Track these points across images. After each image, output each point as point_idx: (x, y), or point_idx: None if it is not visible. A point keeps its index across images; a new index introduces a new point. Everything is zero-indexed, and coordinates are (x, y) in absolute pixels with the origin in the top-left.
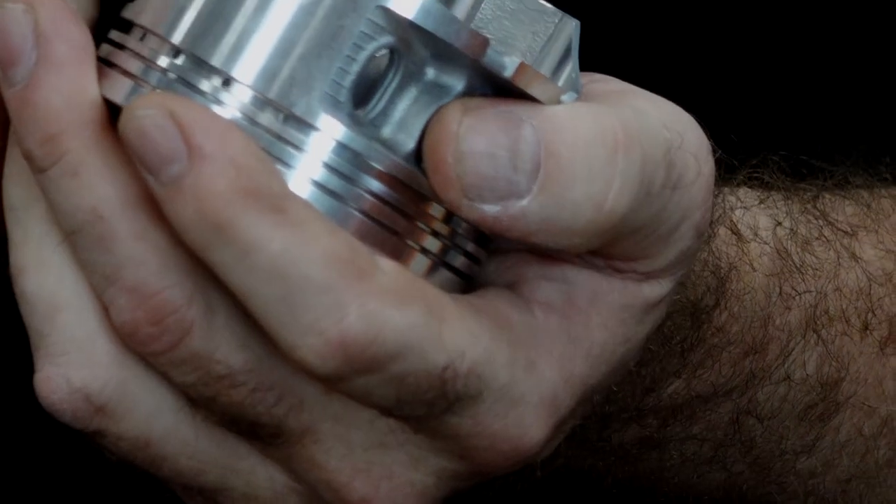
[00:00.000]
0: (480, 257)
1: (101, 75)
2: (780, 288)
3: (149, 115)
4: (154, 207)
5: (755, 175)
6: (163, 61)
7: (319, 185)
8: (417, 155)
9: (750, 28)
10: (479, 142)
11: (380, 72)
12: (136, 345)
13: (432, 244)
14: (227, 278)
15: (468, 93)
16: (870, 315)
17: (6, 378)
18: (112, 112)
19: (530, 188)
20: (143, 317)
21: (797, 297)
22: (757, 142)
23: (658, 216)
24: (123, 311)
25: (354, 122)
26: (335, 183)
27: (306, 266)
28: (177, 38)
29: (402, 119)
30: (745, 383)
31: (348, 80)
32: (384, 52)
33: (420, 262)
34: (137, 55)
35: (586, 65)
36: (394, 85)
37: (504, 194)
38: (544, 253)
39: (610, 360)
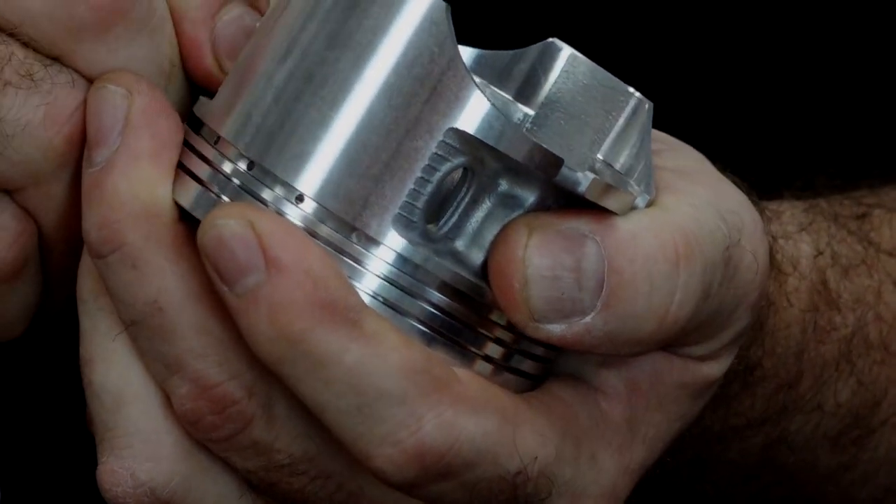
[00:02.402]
0: (550, 357)
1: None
2: (816, 322)
3: (229, 225)
4: (214, 300)
5: (804, 190)
6: (230, 168)
7: (382, 299)
8: (487, 266)
9: (757, 31)
10: (544, 265)
11: (453, 185)
12: (199, 432)
13: (495, 351)
14: (299, 390)
15: (540, 203)
16: None
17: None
18: (179, 209)
19: (594, 305)
20: (205, 406)
21: (832, 332)
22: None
23: (716, 311)
24: (185, 399)
25: (425, 238)
26: (397, 295)
27: (381, 378)
28: (249, 147)
29: (476, 231)
30: (777, 415)
31: (421, 201)
32: (458, 169)
33: (483, 367)
34: (206, 160)
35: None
36: (467, 199)
37: (569, 313)
38: None
39: (665, 438)
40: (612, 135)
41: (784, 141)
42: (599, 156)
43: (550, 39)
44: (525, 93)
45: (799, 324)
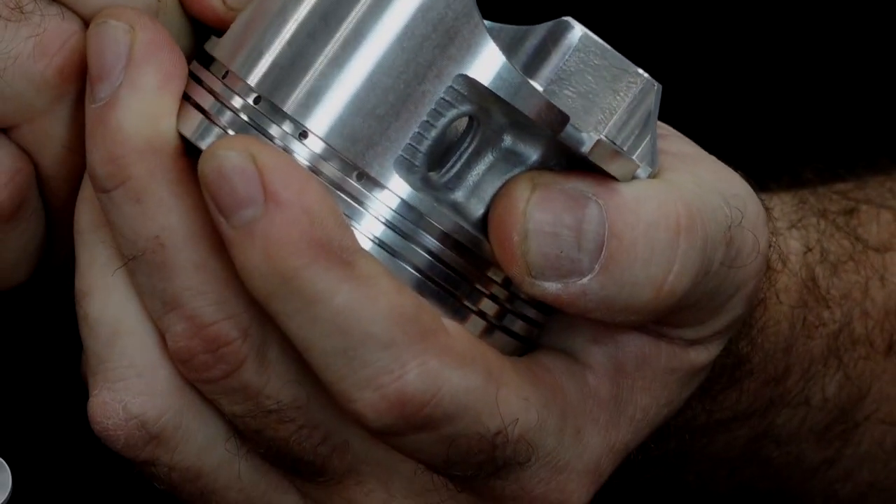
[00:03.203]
0: (542, 321)
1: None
2: (805, 318)
3: (230, 156)
4: (215, 239)
5: (792, 184)
6: (238, 102)
7: (380, 242)
8: (485, 220)
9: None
10: (544, 221)
11: (457, 135)
12: (190, 371)
13: (489, 307)
14: (287, 327)
15: (543, 162)
16: (895, 335)
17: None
18: (184, 144)
19: (592, 267)
20: (198, 345)
21: (820, 327)
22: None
23: (714, 291)
24: (180, 337)
25: (426, 184)
26: (395, 240)
27: (368, 322)
28: (256, 81)
29: (476, 184)
30: (764, 409)
31: (425, 145)
32: (463, 117)
33: (476, 323)
34: (214, 93)
35: None
36: (470, 150)
37: (566, 272)
38: None
39: (652, 422)
40: (619, 113)
41: (771, 134)
42: (604, 134)
43: (564, 18)
44: (534, 67)
45: (788, 319)
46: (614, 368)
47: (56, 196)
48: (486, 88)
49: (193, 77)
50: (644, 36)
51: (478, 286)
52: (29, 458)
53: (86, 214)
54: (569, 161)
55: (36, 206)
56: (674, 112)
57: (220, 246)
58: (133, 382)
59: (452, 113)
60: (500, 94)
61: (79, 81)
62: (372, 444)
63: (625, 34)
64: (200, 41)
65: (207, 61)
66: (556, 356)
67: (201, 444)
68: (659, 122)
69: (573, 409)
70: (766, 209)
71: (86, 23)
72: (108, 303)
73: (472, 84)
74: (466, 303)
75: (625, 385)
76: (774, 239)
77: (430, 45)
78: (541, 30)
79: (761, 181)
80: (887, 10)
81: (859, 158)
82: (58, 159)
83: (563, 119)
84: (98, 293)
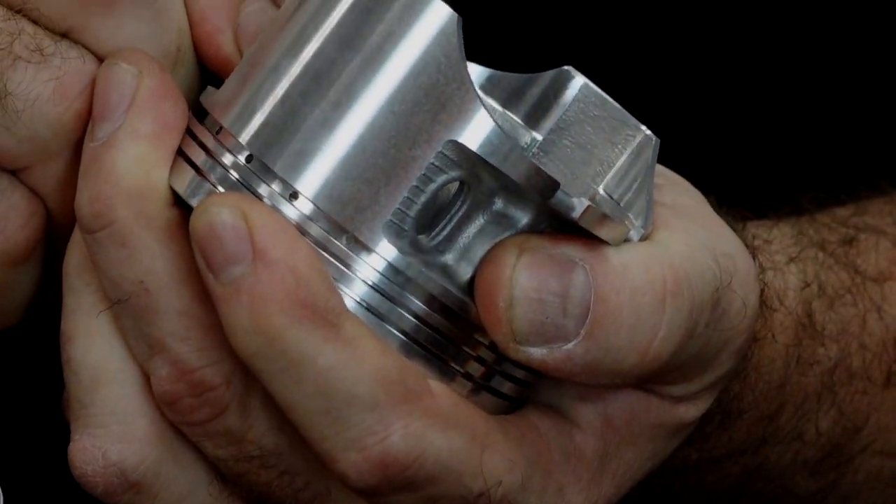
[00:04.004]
0: (530, 381)
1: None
2: (800, 356)
3: (222, 213)
4: (200, 286)
5: (792, 213)
6: (229, 159)
7: (366, 304)
8: (473, 283)
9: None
10: (530, 287)
11: (448, 197)
12: (175, 414)
13: (476, 369)
14: (271, 386)
15: (533, 225)
16: (894, 366)
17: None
18: (174, 194)
19: (578, 332)
20: (183, 389)
21: (815, 364)
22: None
23: (700, 352)
24: (165, 381)
25: (414, 248)
26: (382, 303)
27: (353, 383)
28: (248, 139)
29: (466, 247)
30: (756, 446)
31: (414, 210)
32: (453, 182)
33: (462, 384)
34: (206, 148)
35: (592, 73)
36: (461, 213)
37: (551, 338)
38: None
39: (636, 476)
40: (616, 167)
41: (772, 156)
42: (601, 187)
43: (565, 67)
44: (534, 117)
45: (782, 358)
46: (602, 425)
47: (55, 239)
48: (475, 154)
49: (188, 131)
50: (647, 62)
51: (465, 348)
52: (19, 488)
53: (74, 257)
54: (560, 224)
55: (43, 249)
56: (676, 138)
57: (204, 293)
58: (113, 430)
59: (442, 178)
60: (490, 160)
61: None
62: (353, 494)
63: (627, 64)
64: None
65: (202, 114)
66: (543, 413)
67: (182, 491)
68: (657, 166)
69: (557, 468)
70: (759, 251)
71: None
72: (92, 347)
73: (462, 150)
74: (453, 364)
75: (612, 441)
76: (772, 274)
77: (422, 111)
78: (543, 78)
79: (761, 210)
80: (885, 34)
81: (859, 181)
82: (64, 203)
83: (554, 185)
84: (82, 337)
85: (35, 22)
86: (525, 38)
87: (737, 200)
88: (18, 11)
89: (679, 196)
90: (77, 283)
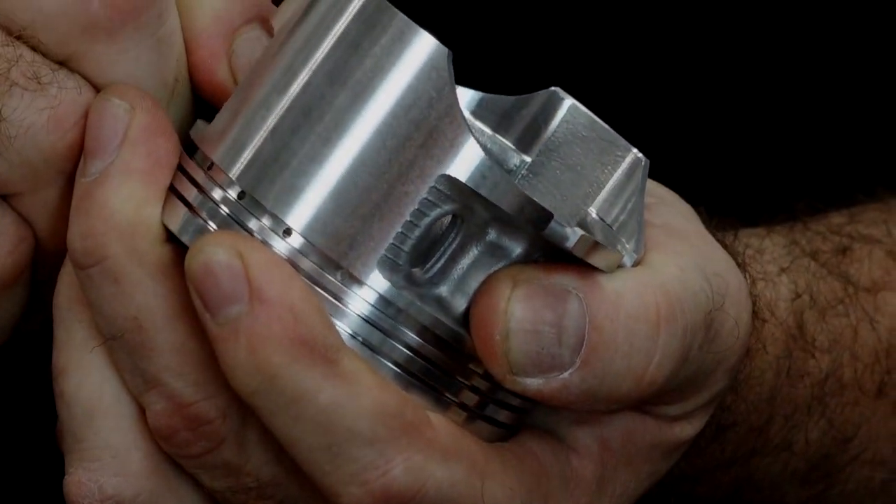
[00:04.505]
0: (526, 408)
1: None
2: (790, 367)
3: (217, 253)
4: (194, 321)
5: (788, 219)
6: (219, 195)
7: (360, 338)
8: (469, 314)
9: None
10: (525, 319)
11: (441, 229)
12: (172, 447)
13: (470, 399)
14: (271, 423)
15: (527, 255)
16: (886, 377)
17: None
18: (166, 231)
19: (574, 361)
20: (179, 423)
21: (806, 376)
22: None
23: (695, 373)
24: (161, 415)
25: (409, 281)
26: (375, 336)
27: (353, 419)
28: (239, 175)
29: (460, 278)
30: (746, 457)
31: (408, 245)
32: (447, 216)
33: (457, 413)
34: (197, 185)
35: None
36: (454, 245)
37: (547, 368)
38: None
39: (633, 496)
40: (607, 189)
41: (768, 161)
42: (592, 209)
43: (553, 88)
44: (525, 139)
45: (773, 369)
46: (599, 448)
47: (42, 265)
48: (468, 188)
49: (180, 167)
50: (640, 67)
51: (459, 378)
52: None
53: (65, 290)
54: (553, 253)
55: (30, 275)
56: (669, 144)
57: (198, 328)
58: (108, 463)
59: (436, 213)
60: (483, 192)
61: None
62: None
63: (620, 68)
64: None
65: (192, 150)
66: (540, 438)
67: None
68: (647, 183)
69: (555, 494)
70: (749, 266)
71: None
72: (85, 381)
73: (455, 184)
74: (447, 395)
75: (609, 464)
76: (763, 285)
77: (413, 146)
78: (532, 100)
79: (755, 217)
80: (880, 37)
81: (855, 187)
82: (53, 231)
83: (547, 216)
84: (74, 371)
85: (34, 49)
86: (515, 52)
87: (731, 207)
88: (18, 37)
89: (669, 215)
90: (68, 316)
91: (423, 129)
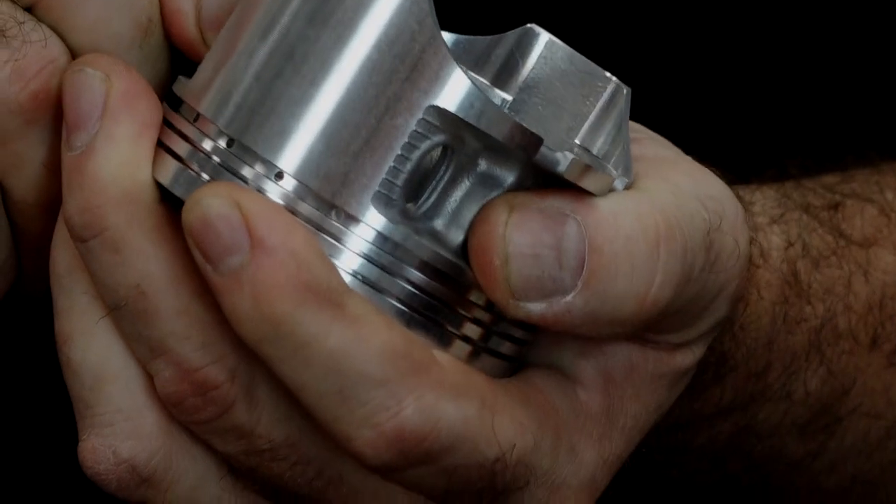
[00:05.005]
0: (527, 339)
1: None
2: (786, 313)
3: (214, 204)
4: (197, 284)
5: (777, 178)
6: (209, 145)
7: (361, 277)
8: (466, 246)
9: (731, 21)
10: (524, 243)
11: (432, 164)
12: (181, 414)
13: (474, 331)
14: (280, 371)
15: (519, 184)
16: (879, 329)
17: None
18: (160, 190)
19: (575, 284)
20: (187, 389)
21: (802, 322)
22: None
23: (696, 296)
24: (169, 382)
25: (404, 217)
26: (376, 274)
27: (362, 361)
28: (229, 124)
29: (455, 211)
30: (745, 404)
31: (401, 178)
32: (438, 147)
33: (461, 348)
34: (186, 137)
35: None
36: (446, 178)
37: (549, 292)
38: None
39: (643, 429)
40: (590, 120)
41: (759, 127)
42: (577, 140)
43: (529, 25)
44: (502, 78)
45: (769, 315)
46: (604, 380)
47: (26, 220)
48: (457, 118)
49: (166, 122)
50: (625, 28)
51: (461, 311)
52: (23, 494)
53: (62, 258)
54: (545, 180)
55: (2, 228)
56: (658, 106)
57: (201, 290)
58: (121, 427)
59: (426, 144)
60: (472, 121)
61: (53, 108)
62: (367, 476)
63: (605, 27)
64: (182, 65)
65: (177, 104)
66: (545, 373)
67: (194, 483)
68: (632, 124)
69: (566, 427)
70: (745, 207)
71: (70, 49)
72: (91, 348)
73: (444, 114)
74: (450, 328)
75: (615, 396)
76: (754, 234)
77: (399, 79)
78: (508, 38)
79: (744, 175)
80: (875, 6)
81: (847, 151)
82: (29, 183)
83: (537, 141)
84: (79, 338)
85: None
86: (492, 4)
87: (721, 165)
88: None
89: (659, 148)
90: (68, 282)
91: (407, 61)
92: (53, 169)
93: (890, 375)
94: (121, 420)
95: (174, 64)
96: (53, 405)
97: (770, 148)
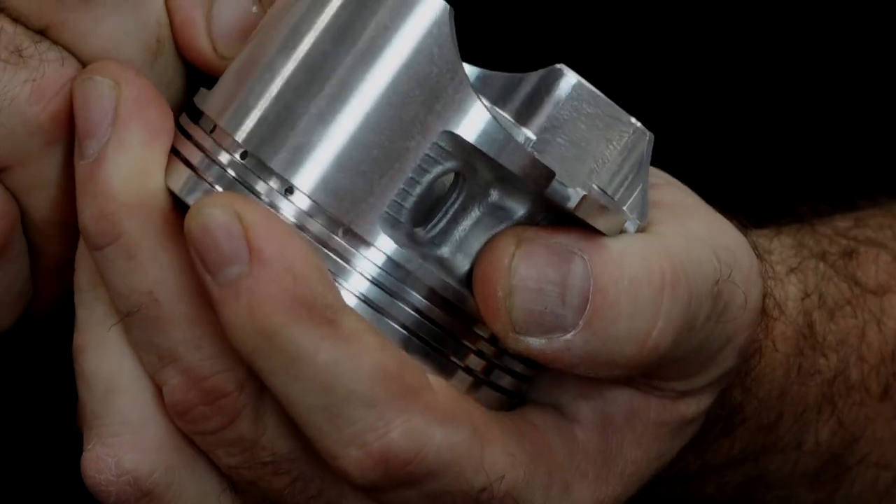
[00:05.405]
0: (529, 375)
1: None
2: (801, 365)
3: (216, 214)
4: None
5: (794, 221)
6: (225, 158)
7: (365, 299)
8: (471, 276)
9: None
10: (529, 276)
11: (444, 190)
12: (188, 424)
13: (476, 363)
14: (271, 384)
15: (529, 217)
16: (891, 380)
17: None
18: (174, 198)
19: (576, 323)
20: (195, 397)
21: (816, 374)
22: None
23: (701, 346)
24: (177, 391)
25: (411, 240)
26: (381, 297)
27: (352, 380)
28: (244, 137)
29: (462, 239)
30: (756, 455)
31: (410, 202)
32: (449, 174)
33: (462, 379)
34: (202, 148)
35: (595, 77)
36: (457, 205)
37: (550, 328)
38: None
39: (643, 476)
40: (611, 163)
41: (770, 168)
42: (596, 183)
43: (557, 66)
44: (525, 115)
45: (783, 367)
46: (602, 423)
47: (45, 240)
48: (470, 145)
49: (182, 131)
50: (642, 71)
51: (465, 342)
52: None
53: (85, 272)
54: (556, 216)
55: (20, 250)
56: (673, 149)
57: None
58: (126, 438)
59: (437, 169)
60: (485, 150)
61: (72, 128)
62: (365, 500)
63: (622, 71)
64: (196, 82)
65: (196, 115)
66: (543, 411)
67: (195, 499)
68: (653, 170)
69: (561, 465)
70: (763, 257)
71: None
72: (104, 358)
73: (457, 140)
74: (453, 359)
75: (614, 439)
76: (773, 283)
77: (415, 102)
78: (534, 77)
79: (760, 221)
80: (884, 45)
81: (857, 194)
82: (48, 204)
83: (549, 175)
84: (94, 349)
85: (15, 21)
86: (519, 41)
87: (736, 210)
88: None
89: (678, 195)
90: (89, 296)
91: (426, 85)
92: (73, 190)
93: None
94: (127, 432)
95: (191, 82)
96: (59, 421)
97: (782, 189)
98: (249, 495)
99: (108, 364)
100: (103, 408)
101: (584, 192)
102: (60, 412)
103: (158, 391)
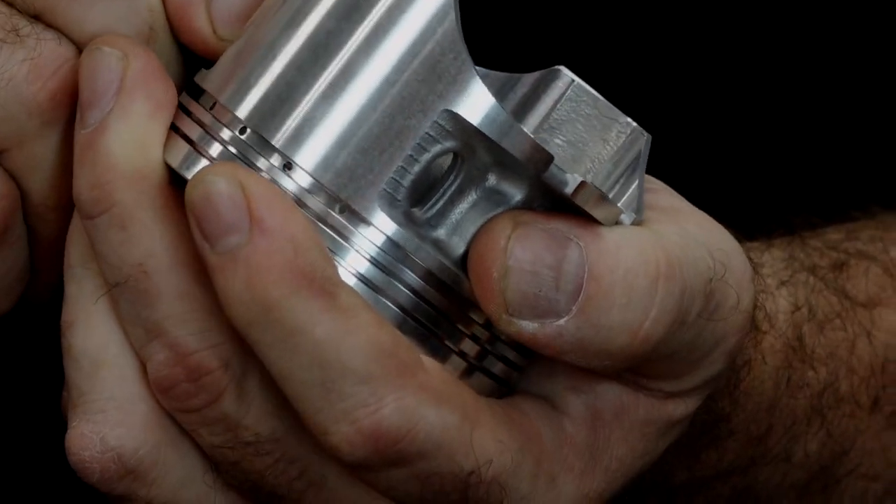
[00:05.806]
0: (521, 364)
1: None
2: (790, 378)
3: (218, 182)
4: (199, 268)
5: (786, 233)
6: (226, 134)
7: (362, 277)
8: (466, 258)
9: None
10: (525, 259)
11: (442, 172)
12: (171, 400)
13: (470, 348)
14: (266, 356)
15: (526, 203)
16: (881, 392)
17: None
18: (170, 173)
19: (569, 308)
20: (180, 373)
21: (805, 387)
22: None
23: (692, 343)
24: (162, 366)
25: (408, 220)
26: (378, 276)
27: (347, 355)
28: (244, 113)
29: (458, 222)
30: (745, 467)
31: (408, 180)
32: (447, 154)
33: (455, 363)
34: (202, 124)
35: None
36: (454, 187)
37: (543, 312)
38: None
39: (627, 473)
40: (608, 163)
41: (763, 178)
42: (592, 180)
43: (556, 67)
44: (522, 114)
45: (772, 379)
46: (592, 417)
47: (43, 223)
48: (470, 125)
49: (182, 108)
50: (635, 81)
51: (459, 326)
52: (7, 489)
53: (76, 248)
54: (553, 202)
55: (20, 233)
56: (666, 159)
57: (203, 275)
58: (112, 415)
59: (437, 148)
60: (485, 131)
61: (71, 107)
62: (348, 482)
63: (616, 80)
64: (192, 70)
65: (197, 93)
66: (533, 402)
67: (179, 478)
68: (649, 177)
69: (548, 456)
70: (755, 267)
71: (81, 49)
72: (92, 334)
73: (457, 120)
74: (447, 342)
75: (602, 434)
76: (764, 296)
77: (417, 80)
78: (532, 77)
79: (751, 233)
80: (878, 54)
81: (850, 205)
82: (46, 186)
83: (548, 159)
84: (82, 324)
85: (10, 4)
86: (519, 41)
87: (728, 222)
88: None
89: (675, 200)
90: (79, 272)
91: (427, 64)
92: (71, 173)
93: (888, 436)
94: (112, 408)
95: (188, 69)
96: (48, 410)
97: (774, 200)
98: (232, 476)
99: (95, 339)
100: (89, 384)
101: (582, 179)
102: (55, 399)
103: (145, 369)
